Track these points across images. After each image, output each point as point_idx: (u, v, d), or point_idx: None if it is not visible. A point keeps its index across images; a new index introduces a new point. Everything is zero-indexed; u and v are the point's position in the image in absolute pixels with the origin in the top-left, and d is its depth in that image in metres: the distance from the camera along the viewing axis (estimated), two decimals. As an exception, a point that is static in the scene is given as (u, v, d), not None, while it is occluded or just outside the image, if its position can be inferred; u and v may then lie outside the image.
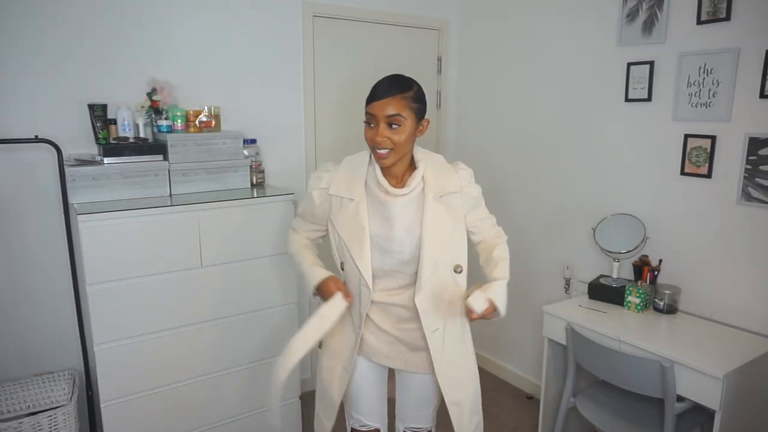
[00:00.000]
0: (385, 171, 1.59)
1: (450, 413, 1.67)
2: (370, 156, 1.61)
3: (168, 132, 2.31)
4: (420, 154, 1.63)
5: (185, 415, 2.23)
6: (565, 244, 2.78)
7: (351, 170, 1.63)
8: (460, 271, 1.63)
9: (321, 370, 1.75)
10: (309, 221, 1.74)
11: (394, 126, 1.49)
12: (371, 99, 1.51)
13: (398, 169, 1.59)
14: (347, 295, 1.61)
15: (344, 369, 1.68)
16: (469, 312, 1.55)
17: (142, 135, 2.32)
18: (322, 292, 1.65)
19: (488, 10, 3.09)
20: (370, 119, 1.51)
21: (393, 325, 1.64)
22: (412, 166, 1.62)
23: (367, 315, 1.64)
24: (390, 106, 1.48)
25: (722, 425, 1.82)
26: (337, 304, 1.60)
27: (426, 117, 1.58)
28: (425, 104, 1.57)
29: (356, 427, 1.77)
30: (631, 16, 2.38)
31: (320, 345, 1.75)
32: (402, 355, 1.67)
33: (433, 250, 1.56)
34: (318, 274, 1.67)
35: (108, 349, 2.02)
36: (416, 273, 1.59)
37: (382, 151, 1.51)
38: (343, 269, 1.66)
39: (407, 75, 1.57)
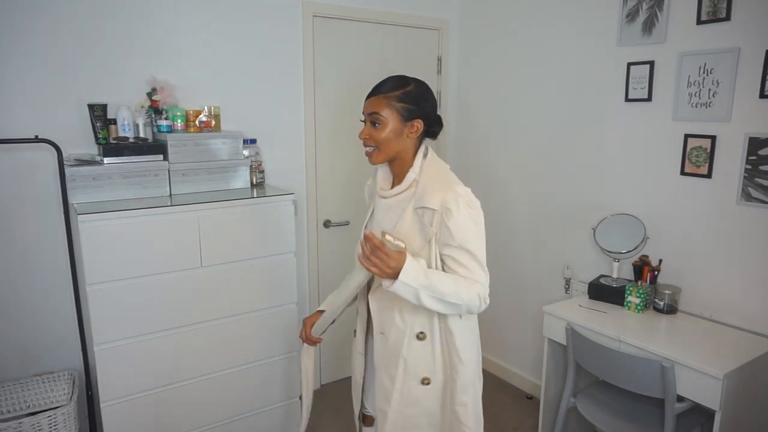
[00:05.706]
0: (392, 173, 1.62)
1: (377, 420, 1.68)
2: None
3: (168, 132, 2.31)
4: (421, 158, 1.55)
5: (185, 415, 2.23)
6: (565, 244, 2.78)
7: (378, 174, 1.68)
8: None
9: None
10: None
11: (377, 124, 1.50)
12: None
13: (398, 170, 1.59)
14: (307, 338, 1.79)
15: (360, 354, 1.77)
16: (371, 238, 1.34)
17: (142, 135, 2.32)
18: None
19: (488, 10, 3.09)
20: (364, 117, 1.57)
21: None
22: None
23: (368, 318, 1.70)
24: (371, 105, 1.51)
25: (722, 425, 1.82)
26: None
27: (419, 119, 1.52)
28: (418, 105, 1.51)
29: (361, 410, 1.87)
30: (631, 16, 2.38)
31: (355, 333, 1.81)
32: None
33: None
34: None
35: (108, 349, 2.02)
36: None
37: (367, 149, 1.55)
38: None
39: (412, 76, 1.56)
